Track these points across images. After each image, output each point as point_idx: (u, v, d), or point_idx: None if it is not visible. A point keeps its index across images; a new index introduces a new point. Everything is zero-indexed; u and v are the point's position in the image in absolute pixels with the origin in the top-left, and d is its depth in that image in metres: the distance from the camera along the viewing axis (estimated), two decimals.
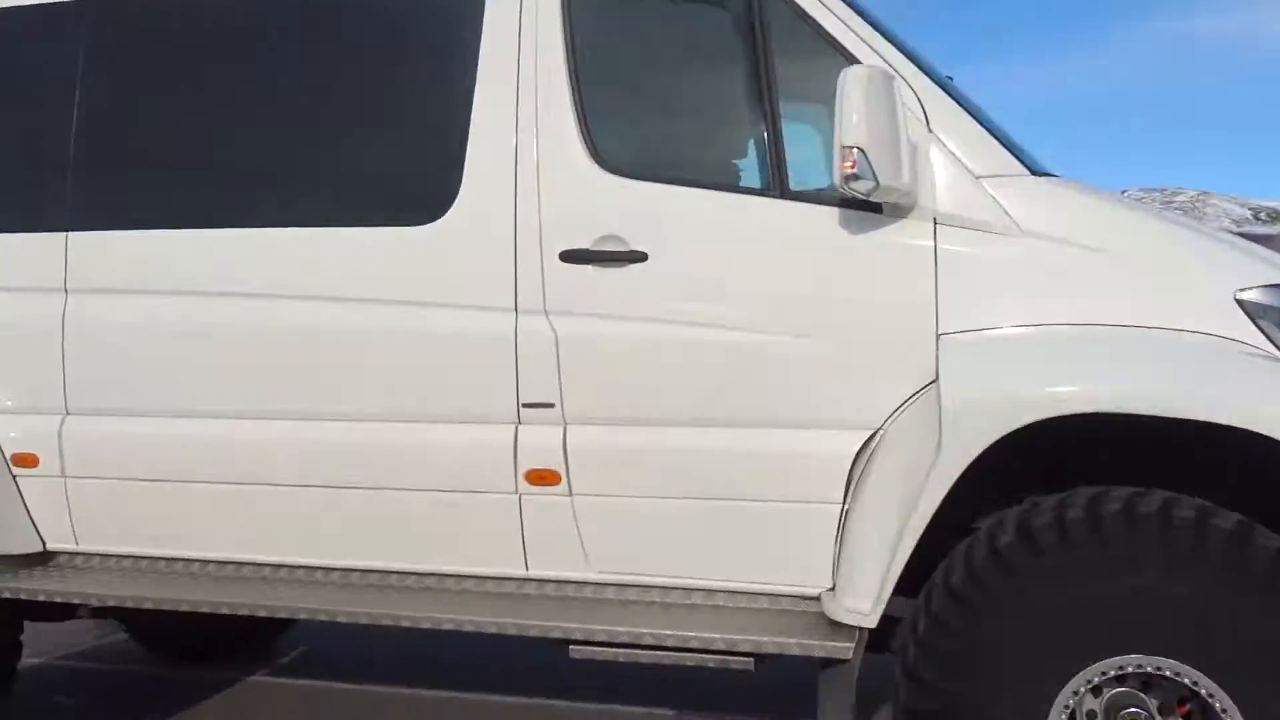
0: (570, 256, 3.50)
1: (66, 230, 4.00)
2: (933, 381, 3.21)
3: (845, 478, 3.29)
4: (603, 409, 3.50)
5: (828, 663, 3.25)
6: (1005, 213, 3.22)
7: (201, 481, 3.86)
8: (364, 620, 3.68)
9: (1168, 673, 2.87)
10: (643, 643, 3.34)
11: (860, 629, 3.13)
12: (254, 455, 3.80)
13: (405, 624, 3.65)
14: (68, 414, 4.01)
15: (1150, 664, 2.89)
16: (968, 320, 3.21)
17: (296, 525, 3.81)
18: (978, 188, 3.23)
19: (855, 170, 3.03)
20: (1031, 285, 3.19)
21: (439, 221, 3.62)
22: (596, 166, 3.51)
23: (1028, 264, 3.20)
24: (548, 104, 3.54)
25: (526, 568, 3.63)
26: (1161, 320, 3.10)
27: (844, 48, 3.34)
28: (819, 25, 3.38)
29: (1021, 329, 3.16)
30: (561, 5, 3.56)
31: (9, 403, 4.06)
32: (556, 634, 3.41)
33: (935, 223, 3.25)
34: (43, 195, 4.05)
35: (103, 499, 3.98)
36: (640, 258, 3.44)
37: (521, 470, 3.56)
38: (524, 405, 3.56)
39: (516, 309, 3.55)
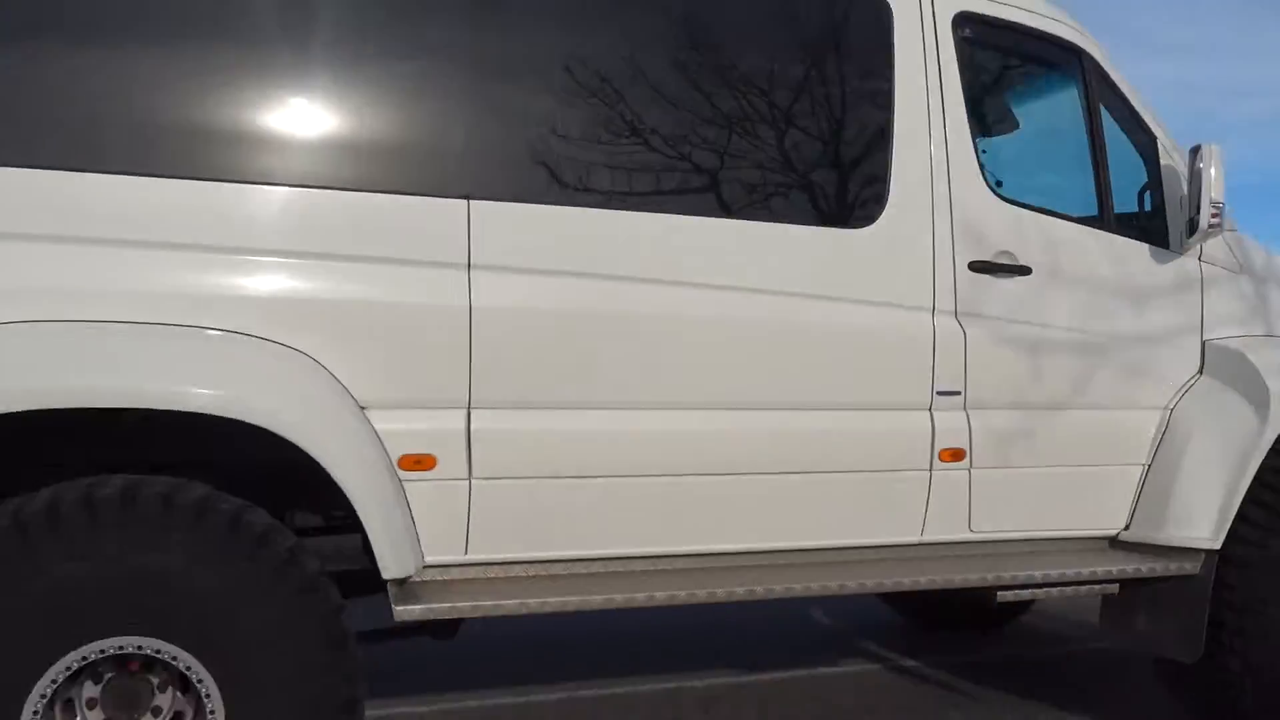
0: (976, 267, 4.15)
1: (468, 197, 3.52)
2: (1197, 374, 4.52)
3: (1150, 444, 4.46)
4: (996, 395, 4.20)
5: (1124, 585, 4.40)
6: (1234, 256, 4.64)
7: (634, 476, 3.71)
8: (798, 594, 3.92)
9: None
10: (1058, 581, 4.19)
11: (1203, 550, 4.30)
12: (696, 445, 3.78)
13: (830, 593, 3.96)
14: (473, 408, 3.52)
15: None
16: (1219, 330, 4.57)
17: (730, 511, 3.86)
18: (1221, 237, 4.60)
19: (1219, 220, 4.23)
20: (1250, 306, 4.65)
21: (871, 227, 4.01)
22: (990, 191, 4.20)
23: (1247, 292, 4.66)
24: (955, 135, 4.14)
25: (921, 534, 4.17)
26: None
27: (1138, 114, 4.49)
28: (1125, 93, 4.48)
29: (1251, 337, 4.61)
30: (957, 53, 4.18)
31: (387, 395, 3.42)
32: (991, 582, 4.11)
33: (1200, 260, 4.56)
34: (431, 151, 3.50)
35: (515, 500, 3.58)
36: (1026, 271, 4.23)
37: (937, 449, 4.11)
38: (938, 393, 4.11)
39: (934, 309, 4.09)
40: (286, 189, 3.34)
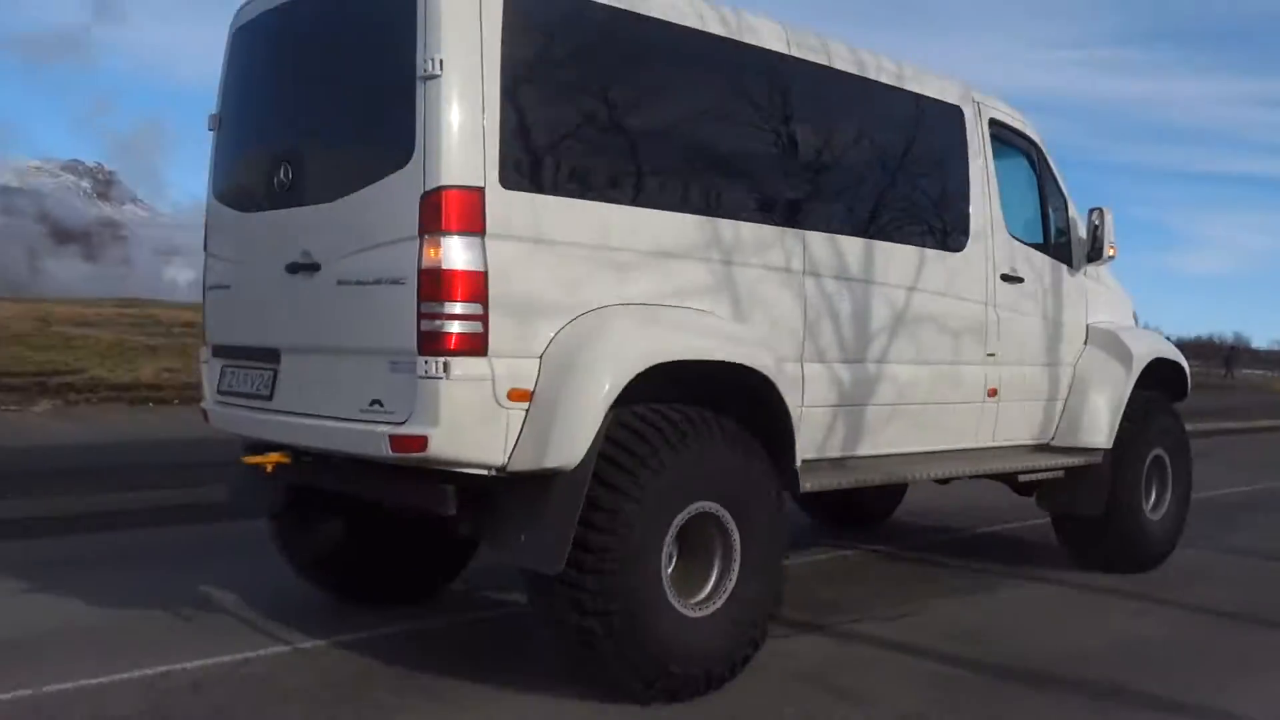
0: (1004, 278, 6.77)
1: (803, 229, 5.53)
2: (1085, 344, 7.48)
3: (1067, 386, 7.33)
4: (1009, 356, 6.83)
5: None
6: (1097, 273, 7.66)
7: (879, 404, 5.91)
8: (938, 477, 6.37)
9: None
10: (1035, 468, 6.91)
11: (1103, 449, 7.22)
12: (909, 385, 6.06)
13: (949, 476, 6.44)
14: (804, 361, 5.52)
15: None
16: (1093, 318, 7.56)
17: (919, 424, 6.19)
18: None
19: (1114, 254, 7.20)
20: (1104, 304, 7.70)
21: (960, 252, 6.48)
22: (1006, 229, 6.83)
23: (1103, 295, 7.70)
24: (993, 193, 6.73)
25: (976, 441, 6.71)
26: (1126, 320, 7.93)
27: (1058, 181, 7.37)
28: (1054, 168, 7.33)
29: (1107, 322, 7.65)
30: (991, 142, 6.77)
31: (775, 353, 5.33)
32: (1007, 470, 6.78)
33: (1084, 275, 7.53)
34: (784, 201, 5.49)
35: (825, 419, 5.63)
36: (1021, 279, 6.92)
37: (986, 388, 6.67)
38: (986, 355, 6.67)
39: (985, 303, 6.65)
40: (722, 220, 5.19)
